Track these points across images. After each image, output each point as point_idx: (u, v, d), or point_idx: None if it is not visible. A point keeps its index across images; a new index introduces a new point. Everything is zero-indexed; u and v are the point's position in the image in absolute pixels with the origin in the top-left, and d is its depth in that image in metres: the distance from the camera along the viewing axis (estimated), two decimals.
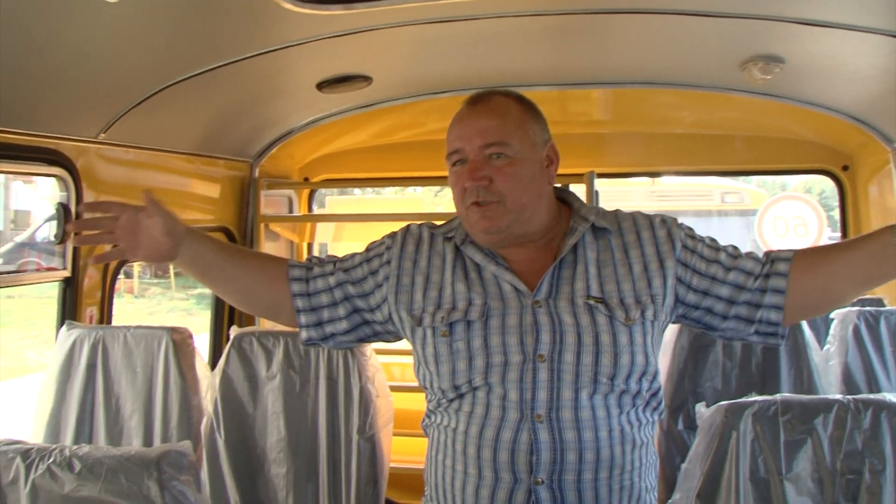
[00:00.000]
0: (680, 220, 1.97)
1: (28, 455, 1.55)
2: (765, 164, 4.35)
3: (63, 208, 2.78)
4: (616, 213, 1.98)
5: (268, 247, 4.07)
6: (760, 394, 1.96)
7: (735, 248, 1.95)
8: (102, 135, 2.82)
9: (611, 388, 1.78)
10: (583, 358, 1.78)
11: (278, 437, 2.57)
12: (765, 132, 4.02)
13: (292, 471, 2.55)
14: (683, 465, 2.00)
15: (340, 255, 2.10)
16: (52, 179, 2.79)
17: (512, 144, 1.85)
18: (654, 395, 1.89)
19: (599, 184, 3.76)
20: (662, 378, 2.14)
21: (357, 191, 9.67)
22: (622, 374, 1.79)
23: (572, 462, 1.75)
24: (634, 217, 1.96)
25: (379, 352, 2.76)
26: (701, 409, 2.02)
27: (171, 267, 15.97)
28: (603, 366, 1.78)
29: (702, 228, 2.00)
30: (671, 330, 2.82)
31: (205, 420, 2.65)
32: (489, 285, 1.89)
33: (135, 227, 1.90)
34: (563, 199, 2.01)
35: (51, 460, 1.54)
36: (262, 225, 3.98)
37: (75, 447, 1.57)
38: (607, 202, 4.06)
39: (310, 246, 4.63)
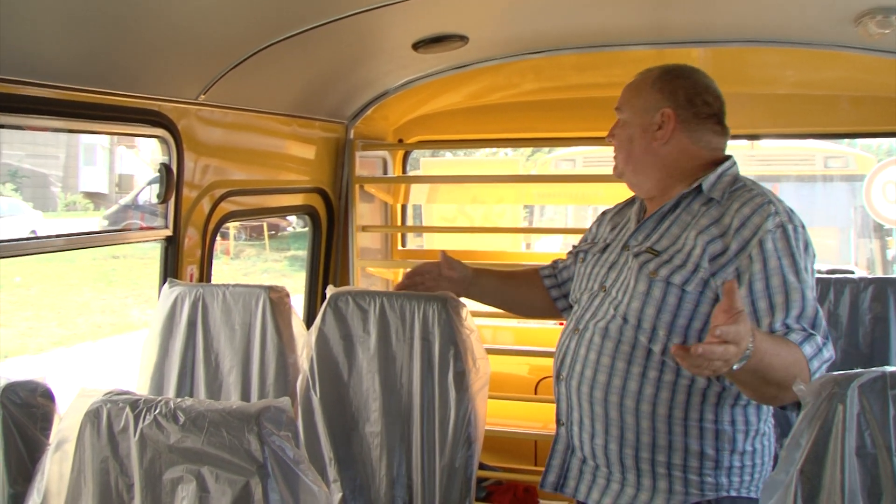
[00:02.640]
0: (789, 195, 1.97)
1: (136, 405, 1.60)
2: (874, 126, 4.13)
3: (165, 169, 2.85)
4: (741, 192, 2.07)
5: (362, 207, 4.10)
6: (869, 367, 1.87)
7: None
8: (202, 96, 2.86)
9: (624, 322, 2.08)
10: (619, 294, 2.13)
11: (373, 395, 2.59)
12: (874, 91, 3.79)
13: (386, 430, 2.57)
14: (787, 441, 1.93)
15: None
16: (154, 144, 2.86)
17: (623, 110, 2.24)
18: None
19: None
20: None
21: (448, 153, 9.67)
22: (633, 316, 2.07)
23: (578, 372, 2.15)
24: (753, 198, 2.03)
25: (475, 314, 2.74)
26: (800, 383, 1.94)
27: (266, 228, 16.36)
28: (622, 303, 2.11)
29: (804, 195, 1.95)
30: None
31: (300, 378, 2.69)
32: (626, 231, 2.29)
33: (437, 276, 2.59)
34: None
35: (157, 411, 1.58)
36: (357, 186, 4.02)
37: (179, 400, 1.61)
38: None
39: (403, 207, 4.65)
